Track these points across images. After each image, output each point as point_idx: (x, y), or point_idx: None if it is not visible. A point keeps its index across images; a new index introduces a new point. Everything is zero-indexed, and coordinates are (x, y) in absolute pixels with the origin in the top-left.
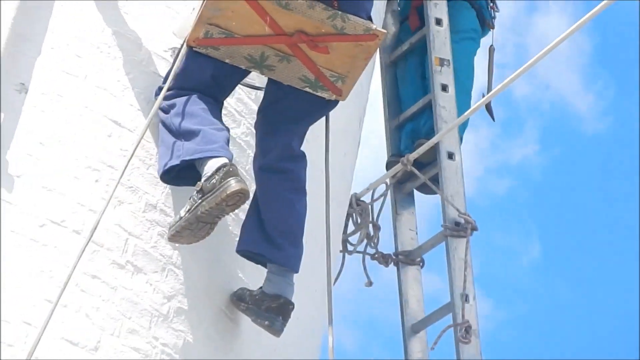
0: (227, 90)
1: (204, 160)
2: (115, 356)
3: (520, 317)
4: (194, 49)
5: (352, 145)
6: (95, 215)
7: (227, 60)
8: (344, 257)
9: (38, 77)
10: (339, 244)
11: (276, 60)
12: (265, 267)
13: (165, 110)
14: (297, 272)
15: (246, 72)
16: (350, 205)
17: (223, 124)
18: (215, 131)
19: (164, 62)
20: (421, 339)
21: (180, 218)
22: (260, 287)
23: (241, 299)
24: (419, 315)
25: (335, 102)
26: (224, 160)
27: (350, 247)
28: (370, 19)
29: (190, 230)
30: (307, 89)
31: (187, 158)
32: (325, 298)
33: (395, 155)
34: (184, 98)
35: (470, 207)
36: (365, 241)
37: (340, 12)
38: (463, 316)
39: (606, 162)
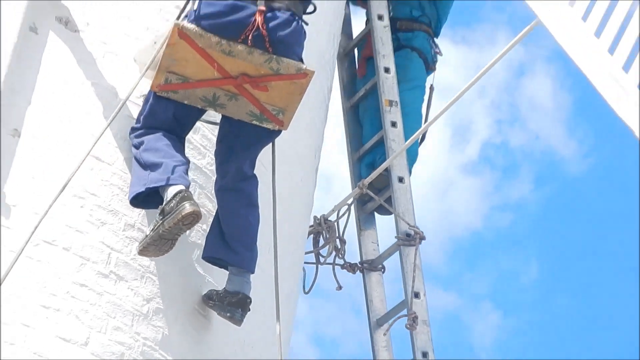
0: (188, 127)
1: (165, 187)
2: (103, 349)
3: (525, 325)
4: (157, 93)
5: (308, 172)
6: (81, 235)
7: (185, 102)
8: (317, 267)
9: (29, 122)
10: (302, 255)
11: (226, 99)
12: (227, 269)
13: (137, 146)
14: (252, 272)
15: (202, 111)
16: (320, 224)
17: (184, 157)
18: (176, 163)
19: (136, 107)
20: (385, 330)
21: (147, 236)
22: (224, 287)
23: (209, 298)
24: (382, 312)
25: (279, 131)
26: (180, 187)
27: (322, 259)
28: (301, 60)
29: (155, 245)
30: (254, 122)
31: (151, 186)
32: (292, 300)
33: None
34: (151, 136)
35: (478, 238)
36: (334, 253)
37: (275, 56)
38: (410, 308)
39: (589, 196)
